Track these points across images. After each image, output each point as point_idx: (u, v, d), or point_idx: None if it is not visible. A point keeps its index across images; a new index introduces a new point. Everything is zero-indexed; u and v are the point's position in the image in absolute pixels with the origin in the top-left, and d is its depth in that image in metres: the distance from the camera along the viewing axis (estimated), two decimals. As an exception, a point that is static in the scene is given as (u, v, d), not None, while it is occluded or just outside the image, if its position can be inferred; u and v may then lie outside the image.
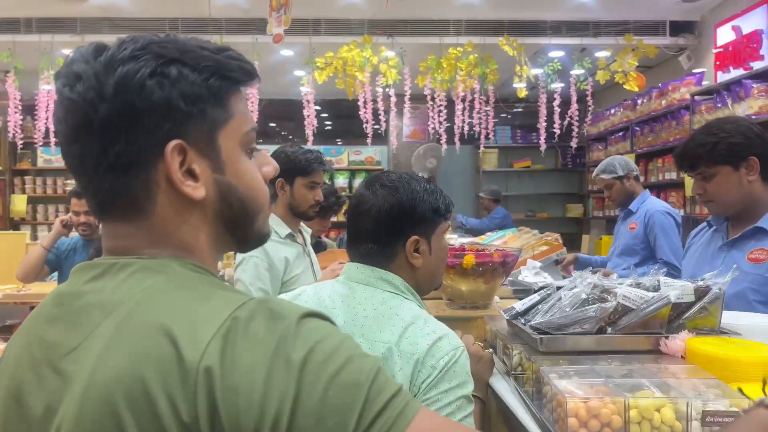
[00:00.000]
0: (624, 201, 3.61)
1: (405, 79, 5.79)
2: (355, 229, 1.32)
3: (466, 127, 6.17)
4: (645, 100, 6.21)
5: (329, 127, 10.28)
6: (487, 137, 6.49)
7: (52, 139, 5.95)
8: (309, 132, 5.97)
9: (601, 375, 1.21)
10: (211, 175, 0.70)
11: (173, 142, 0.66)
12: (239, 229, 0.75)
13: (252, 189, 0.74)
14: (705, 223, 2.14)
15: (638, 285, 1.47)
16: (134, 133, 0.65)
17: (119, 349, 0.60)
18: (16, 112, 5.86)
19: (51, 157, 7.94)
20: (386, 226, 1.28)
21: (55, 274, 3.83)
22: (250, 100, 5.71)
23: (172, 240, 0.70)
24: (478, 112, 6.17)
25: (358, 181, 8.37)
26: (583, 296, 1.42)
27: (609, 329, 1.39)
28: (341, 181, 8.22)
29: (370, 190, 1.32)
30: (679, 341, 1.35)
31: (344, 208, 8.62)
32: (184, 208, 0.70)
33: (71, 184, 7.77)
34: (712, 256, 2.00)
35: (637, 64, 5.74)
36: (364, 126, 5.95)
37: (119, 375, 0.58)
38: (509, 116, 8.67)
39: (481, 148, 7.15)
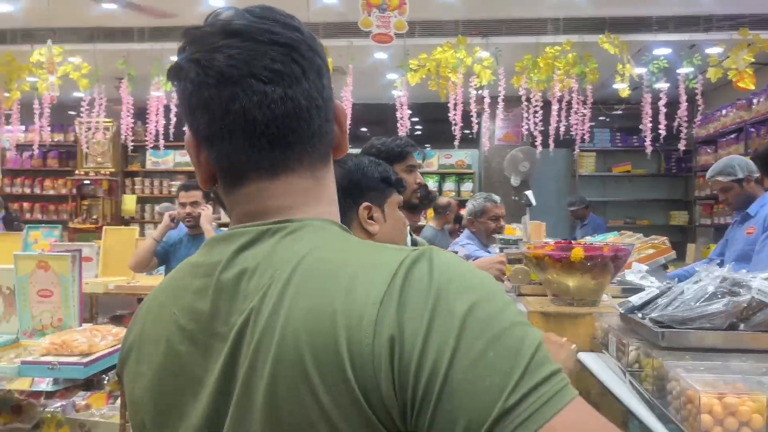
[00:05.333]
0: (741, 205, 3.39)
1: (499, 79, 5.68)
2: None
3: (562, 129, 5.97)
4: (762, 99, 5.78)
5: (419, 132, 10.29)
6: (583, 140, 6.26)
7: (161, 142, 6.32)
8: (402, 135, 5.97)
9: (736, 372, 1.11)
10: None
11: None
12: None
13: None
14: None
15: (774, 279, 1.33)
16: (328, 84, 0.72)
17: (296, 308, 0.59)
18: (128, 117, 6.26)
19: (158, 159, 8.44)
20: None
21: (162, 268, 4.04)
22: (344, 104, 5.81)
23: (329, 195, 0.73)
24: (576, 113, 5.95)
25: (448, 185, 8.31)
26: (710, 289, 1.31)
27: (741, 326, 1.27)
28: (431, 184, 8.20)
29: None
30: (825, 341, 1.21)
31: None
32: (331, 164, 0.75)
33: (175, 185, 8.21)
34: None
35: (753, 60, 5.34)
36: (452, 128, 5.89)
37: (302, 332, 0.58)
38: (608, 118, 8.33)
39: (577, 151, 6.90)
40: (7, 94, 5.96)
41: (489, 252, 3.79)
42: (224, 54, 0.65)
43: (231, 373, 0.62)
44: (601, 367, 1.50)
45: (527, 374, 0.54)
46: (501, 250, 2.89)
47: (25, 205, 8.61)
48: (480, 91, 5.82)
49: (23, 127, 6.47)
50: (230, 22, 0.67)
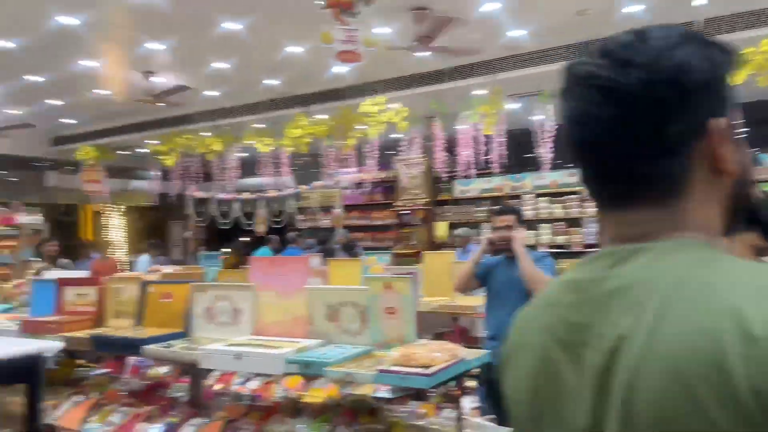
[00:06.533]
0: None
1: None
2: None
3: None
4: None
5: (745, 135, 8.96)
6: None
7: (473, 171, 6.73)
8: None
9: None
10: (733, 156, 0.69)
11: (724, 119, 0.68)
12: (733, 221, 0.73)
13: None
14: None
15: None
16: (684, 112, 0.67)
17: (676, 326, 0.60)
18: (440, 151, 6.84)
19: (466, 188, 9.00)
20: None
21: (479, 290, 4.25)
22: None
23: (695, 221, 0.69)
24: None
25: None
26: None
27: None
28: None
29: None
30: None
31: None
32: (711, 188, 0.70)
33: (481, 211, 8.63)
34: None
35: None
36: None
37: (685, 351, 0.58)
38: None
39: None
40: (344, 142, 7.07)
41: None
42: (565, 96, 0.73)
43: (606, 385, 0.64)
44: None
45: None
46: None
47: (358, 234, 10.02)
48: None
49: (355, 169, 7.58)
50: (570, 66, 0.73)
